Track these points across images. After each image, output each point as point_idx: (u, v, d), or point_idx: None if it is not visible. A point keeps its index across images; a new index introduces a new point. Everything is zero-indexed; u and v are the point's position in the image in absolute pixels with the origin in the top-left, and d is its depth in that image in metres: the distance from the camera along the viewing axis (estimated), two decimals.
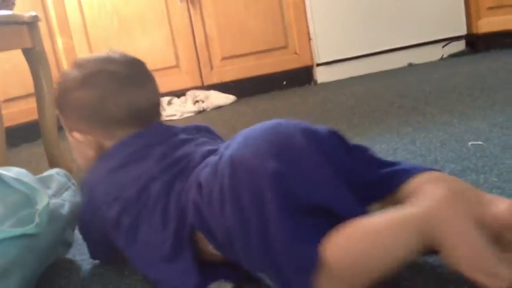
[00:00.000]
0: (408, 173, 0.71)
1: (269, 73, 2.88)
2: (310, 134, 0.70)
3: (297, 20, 2.84)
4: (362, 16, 2.78)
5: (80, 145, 0.89)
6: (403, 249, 0.62)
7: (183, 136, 0.85)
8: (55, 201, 0.89)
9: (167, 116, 2.60)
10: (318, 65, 2.84)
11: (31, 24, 1.49)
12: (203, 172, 0.73)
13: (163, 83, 3.21)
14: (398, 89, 2.17)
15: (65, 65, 2.80)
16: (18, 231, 0.74)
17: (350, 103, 2.08)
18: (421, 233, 0.61)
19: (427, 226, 0.60)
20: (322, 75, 2.85)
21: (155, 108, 0.90)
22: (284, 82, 2.91)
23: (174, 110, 2.65)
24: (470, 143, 1.24)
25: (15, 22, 1.41)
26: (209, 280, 0.71)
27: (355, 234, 0.63)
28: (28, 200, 0.84)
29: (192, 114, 2.62)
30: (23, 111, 2.44)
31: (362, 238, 0.62)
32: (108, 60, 0.90)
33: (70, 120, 0.90)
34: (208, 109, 2.67)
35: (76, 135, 0.88)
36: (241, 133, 0.74)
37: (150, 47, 2.81)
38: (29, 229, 0.75)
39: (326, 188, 0.66)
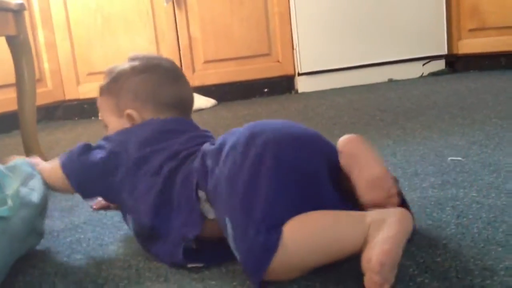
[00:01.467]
0: None
1: (250, 79, 2.89)
2: (317, 137, 0.83)
3: (281, 29, 2.85)
4: (345, 29, 2.81)
5: (123, 124, 1.00)
6: (346, 245, 0.71)
7: (202, 133, 1.00)
8: (23, 189, 0.87)
9: None
10: (299, 74, 2.85)
11: (17, 12, 1.47)
12: (207, 146, 0.88)
13: None
14: (378, 103, 2.20)
15: (45, 59, 2.76)
16: None
17: (330, 114, 2.09)
18: (364, 236, 0.70)
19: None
20: (303, 85, 2.86)
21: (192, 100, 1.08)
22: (265, 90, 2.92)
23: None
24: (449, 158, 1.26)
25: (1, 8, 1.39)
26: (190, 260, 0.82)
27: (310, 222, 0.73)
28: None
29: None
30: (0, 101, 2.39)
31: (314, 227, 0.73)
32: (159, 58, 1.08)
33: (125, 101, 1.01)
34: None
35: (131, 112, 1.00)
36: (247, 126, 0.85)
37: (132, 47, 2.78)
38: (2, 210, 0.74)
39: (320, 182, 0.78)
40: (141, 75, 1.02)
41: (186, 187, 0.85)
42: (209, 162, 0.83)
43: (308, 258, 0.72)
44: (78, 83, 2.86)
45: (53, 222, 1.09)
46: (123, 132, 0.98)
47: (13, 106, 1.81)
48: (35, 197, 0.88)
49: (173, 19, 2.83)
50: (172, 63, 1.07)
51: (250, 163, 0.76)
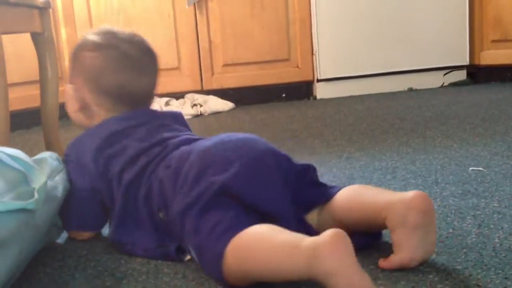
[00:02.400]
0: (332, 191, 0.85)
1: (269, 84, 2.89)
2: (275, 155, 0.84)
3: (302, 35, 2.85)
4: (366, 37, 2.80)
5: (70, 98, 0.99)
6: (287, 271, 0.66)
7: (163, 121, 0.97)
8: (49, 182, 0.88)
9: None
10: (318, 80, 2.85)
11: (43, 9, 1.48)
12: (173, 156, 0.87)
13: (163, 84, 3.21)
14: (398, 112, 2.19)
15: (66, 56, 2.78)
16: (19, 204, 0.73)
17: (349, 120, 2.09)
18: (308, 266, 0.63)
19: (314, 262, 0.63)
20: (321, 91, 2.86)
21: (146, 97, 1.01)
22: (284, 95, 2.92)
23: None
24: (471, 169, 1.25)
25: (27, 5, 1.40)
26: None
27: (252, 242, 0.71)
28: (26, 178, 0.83)
29: (190, 117, 2.61)
30: (21, 98, 2.41)
31: (256, 248, 0.70)
32: (127, 40, 0.98)
33: (73, 73, 0.99)
34: (206, 114, 2.66)
35: (68, 87, 0.98)
36: (219, 136, 0.88)
37: (153, 47, 2.80)
38: (29, 203, 0.74)
39: (274, 196, 0.80)
40: (91, 52, 0.97)
41: (148, 207, 0.86)
42: (168, 194, 0.83)
43: (252, 274, 0.70)
44: None
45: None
46: (76, 144, 0.96)
47: (34, 103, 1.83)
48: (59, 191, 0.89)
49: (194, 21, 2.84)
50: (140, 49, 0.99)
51: (201, 204, 0.77)
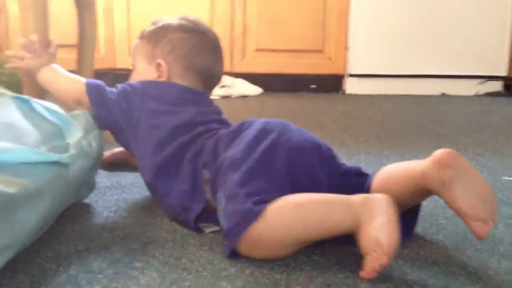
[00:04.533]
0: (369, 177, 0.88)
1: (299, 73, 2.87)
2: (316, 144, 0.88)
3: (337, 28, 2.83)
4: (402, 37, 2.77)
5: (151, 73, 1.04)
6: (332, 223, 0.73)
7: (216, 109, 1.05)
8: (84, 139, 0.88)
9: None
10: (349, 75, 2.82)
11: None
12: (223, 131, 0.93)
13: None
14: (429, 115, 2.16)
15: (102, 25, 2.79)
16: (54, 157, 0.73)
17: (378, 118, 2.06)
18: (352, 217, 0.72)
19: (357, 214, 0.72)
20: (351, 86, 2.83)
21: (219, 79, 1.10)
22: (313, 86, 2.90)
23: None
24: (504, 178, 1.23)
25: None
26: (202, 221, 0.86)
27: (294, 200, 0.76)
28: (61, 132, 0.83)
29: (217, 97, 2.61)
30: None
31: (301, 203, 0.75)
32: (206, 27, 1.09)
33: (161, 50, 1.04)
34: (233, 96, 2.66)
35: (161, 62, 1.03)
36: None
37: None
38: (63, 157, 0.74)
39: (316, 177, 0.84)
40: (185, 33, 1.04)
41: (195, 161, 0.90)
42: (220, 148, 0.88)
43: (290, 235, 0.74)
44: (129, 53, 2.88)
45: (100, 179, 1.10)
46: (147, 83, 1.01)
47: (67, 66, 1.83)
48: (93, 149, 0.89)
49: (230, 4, 2.83)
50: (217, 38, 1.09)
51: (258, 154, 0.82)
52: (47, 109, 0.85)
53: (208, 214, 0.86)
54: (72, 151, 0.78)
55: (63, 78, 1.04)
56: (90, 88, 0.98)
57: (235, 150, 0.85)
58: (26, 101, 0.84)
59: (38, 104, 0.85)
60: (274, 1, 2.82)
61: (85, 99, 0.97)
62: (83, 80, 1.00)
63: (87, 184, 0.93)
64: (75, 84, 1.01)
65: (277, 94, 2.75)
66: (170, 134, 0.93)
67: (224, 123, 1.01)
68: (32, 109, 0.84)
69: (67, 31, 1.68)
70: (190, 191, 0.89)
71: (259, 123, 0.89)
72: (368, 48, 2.79)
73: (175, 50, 1.04)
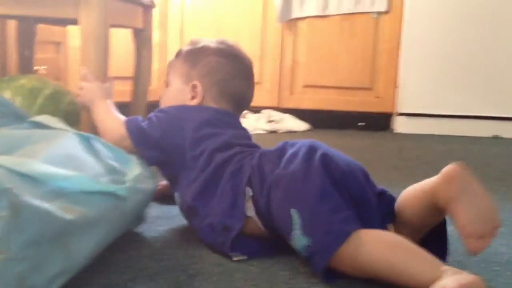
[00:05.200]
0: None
1: (347, 110, 2.86)
2: (359, 164, 0.92)
3: (387, 65, 2.82)
4: (453, 76, 2.73)
5: (185, 93, 1.07)
6: (411, 276, 0.73)
7: (246, 133, 1.08)
8: (142, 175, 0.90)
9: None
10: (399, 114, 2.79)
11: (147, 7, 1.54)
12: (266, 150, 0.95)
13: None
14: (482, 157, 2.11)
15: (156, 58, 2.88)
16: (112, 187, 0.75)
17: (429, 158, 2.03)
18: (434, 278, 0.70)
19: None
20: (400, 125, 2.80)
21: (250, 103, 1.14)
22: (360, 123, 2.88)
23: (247, 124, 2.67)
24: None
25: (135, 2, 1.46)
26: (234, 250, 0.88)
27: (391, 238, 0.78)
28: (120, 167, 0.86)
29: (264, 132, 2.63)
30: None
31: (393, 244, 0.77)
32: (242, 53, 1.14)
33: (197, 72, 1.08)
34: (280, 131, 2.67)
35: (197, 84, 1.07)
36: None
37: None
38: (121, 189, 0.77)
39: (370, 197, 0.87)
40: (222, 58, 1.09)
41: (235, 179, 0.92)
42: (267, 166, 0.90)
43: (370, 266, 0.76)
44: None
45: (149, 209, 1.12)
46: (181, 108, 1.04)
47: (118, 98, 1.90)
48: (148, 185, 0.91)
49: (281, 39, 2.87)
50: (251, 63, 1.14)
51: (316, 167, 0.84)
52: (107, 146, 0.89)
53: (244, 239, 0.89)
54: (129, 184, 0.80)
55: (110, 116, 1.08)
56: (130, 129, 1.01)
57: (294, 165, 0.86)
58: (87, 139, 0.87)
59: (98, 141, 0.89)
60: (324, 37, 2.84)
61: (127, 139, 1.00)
62: (123, 120, 1.04)
63: (139, 216, 0.95)
64: (118, 124, 1.03)
65: (324, 131, 2.75)
66: (210, 156, 0.96)
67: (256, 146, 1.03)
68: (92, 145, 0.87)
69: (124, 64, 1.74)
70: (230, 208, 0.90)
71: (305, 141, 0.91)
72: (418, 86, 2.76)
73: (211, 74, 1.07)
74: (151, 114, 1.04)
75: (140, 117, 1.04)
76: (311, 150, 0.88)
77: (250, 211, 0.90)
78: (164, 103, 1.11)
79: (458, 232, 0.78)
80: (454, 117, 2.75)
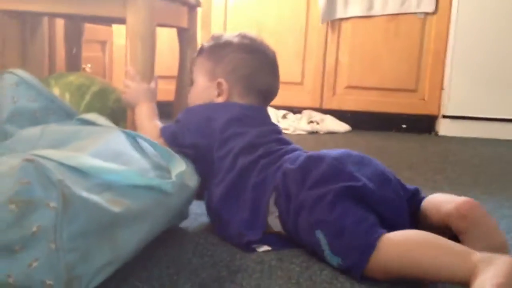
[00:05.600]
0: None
1: (390, 112, 2.82)
2: (392, 177, 0.92)
3: (433, 67, 2.76)
4: (500, 79, 2.66)
5: (211, 91, 1.08)
6: (443, 272, 0.73)
7: (275, 127, 1.08)
8: (186, 172, 0.91)
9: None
10: (444, 116, 2.74)
11: (192, 7, 1.56)
12: (296, 156, 0.95)
13: (284, 96, 3.22)
14: None
15: None
16: (158, 181, 0.76)
17: (475, 162, 1.98)
18: (468, 270, 0.71)
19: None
20: (445, 128, 2.74)
21: (276, 95, 1.14)
22: (404, 126, 2.84)
23: (287, 125, 2.66)
24: None
25: (180, 1, 1.48)
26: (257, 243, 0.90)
27: (417, 236, 0.79)
28: (165, 164, 0.87)
29: (304, 132, 2.62)
30: None
31: (420, 242, 0.77)
32: (265, 46, 1.13)
33: (222, 69, 1.08)
34: (321, 132, 2.66)
35: (222, 82, 1.07)
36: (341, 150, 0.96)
37: (280, 59, 2.82)
38: (166, 183, 0.78)
39: (398, 206, 0.88)
40: (246, 54, 1.09)
41: (259, 193, 0.92)
42: (292, 187, 0.89)
43: (402, 268, 0.76)
44: None
45: (192, 207, 1.13)
46: (208, 107, 1.05)
47: (161, 97, 1.93)
48: (193, 182, 0.92)
49: (324, 39, 2.85)
50: (274, 56, 1.13)
51: (336, 189, 0.84)
52: (152, 144, 0.90)
53: (266, 235, 0.91)
54: (174, 179, 0.81)
55: (149, 121, 1.11)
56: (165, 136, 1.04)
57: (316, 188, 0.86)
58: (133, 136, 0.89)
59: (144, 139, 0.90)
60: (368, 38, 2.81)
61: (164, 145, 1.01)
62: (159, 127, 1.07)
63: (183, 212, 0.96)
64: (155, 131, 1.06)
65: (366, 133, 2.72)
66: (234, 159, 0.96)
67: (284, 142, 1.03)
68: (138, 143, 0.89)
69: (168, 63, 1.77)
70: (250, 221, 0.91)
71: (329, 158, 0.90)
72: (464, 89, 2.69)
73: (236, 71, 1.08)
74: (179, 115, 1.05)
75: (172, 124, 1.06)
76: (335, 171, 0.88)
77: (277, 227, 0.92)
78: (191, 101, 1.13)
79: None
80: (501, 120, 2.68)
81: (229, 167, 0.96)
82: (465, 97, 2.70)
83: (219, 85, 1.07)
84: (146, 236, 0.75)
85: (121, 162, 0.76)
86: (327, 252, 0.83)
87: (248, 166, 0.95)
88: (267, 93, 1.11)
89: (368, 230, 0.80)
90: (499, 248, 0.81)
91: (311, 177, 0.88)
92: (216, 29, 2.92)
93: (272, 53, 1.13)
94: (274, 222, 0.92)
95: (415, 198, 0.95)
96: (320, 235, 0.83)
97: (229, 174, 0.95)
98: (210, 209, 0.99)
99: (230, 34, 1.13)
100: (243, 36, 1.12)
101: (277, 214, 0.91)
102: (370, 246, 0.78)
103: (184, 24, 1.55)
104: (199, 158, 1.01)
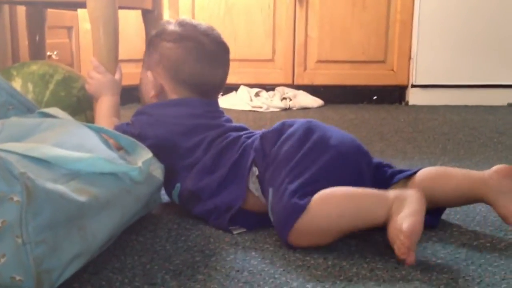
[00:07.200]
0: (412, 170, 0.96)
1: (361, 84, 2.83)
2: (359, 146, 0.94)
3: (400, 38, 2.77)
4: (467, 46, 2.68)
5: (148, 84, 1.05)
6: (366, 217, 0.81)
7: (229, 123, 1.04)
8: (152, 161, 0.90)
9: (253, 107, 2.61)
10: (413, 86, 2.76)
11: None
12: (265, 131, 0.97)
13: (255, 74, 3.22)
14: (496, 126, 2.08)
15: None
16: (126, 167, 0.76)
17: (443, 129, 2.01)
18: (386, 210, 0.80)
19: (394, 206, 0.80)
20: (415, 97, 2.77)
21: (218, 89, 1.08)
22: (375, 97, 2.86)
23: (260, 103, 2.66)
24: None
25: None
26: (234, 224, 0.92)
27: (337, 193, 0.83)
28: (131, 152, 0.87)
29: (278, 109, 2.62)
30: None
31: (343, 195, 0.83)
32: (205, 33, 1.05)
33: (152, 60, 1.05)
34: (294, 108, 2.66)
35: (149, 74, 1.04)
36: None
37: (250, 38, 2.82)
38: (134, 168, 0.77)
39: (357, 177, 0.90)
40: (172, 43, 1.03)
41: (240, 162, 0.94)
42: (267, 145, 0.93)
43: (331, 225, 0.82)
44: None
45: (163, 193, 1.13)
46: (157, 106, 1.02)
47: (132, 81, 1.90)
48: (159, 172, 0.92)
49: (293, 15, 2.84)
50: (214, 42, 1.05)
51: (305, 150, 0.88)
52: (116, 136, 0.89)
53: (244, 213, 0.92)
54: (141, 165, 0.80)
55: (106, 116, 1.08)
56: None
57: (285, 147, 0.90)
58: (97, 130, 0.87)
59: (107, 132, 0.89)
60: (335, 11, 2.80)
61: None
62: (114, 125, 1.03)
63: (155, 200, 0.96)
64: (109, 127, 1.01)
65: (338, 106, 2.73)
66: (208, 145, 0.97)
67: (245, 129, 1.04)
68: (101, 135, 0.87)
69: (136, 46, 1.74)
70: (235, 188, 0.93)
71: (302, 122, 0.94)
72: (432, 58, 2.72)
73: (162, 62, 1.03)
74: (132, 118, 1.03)
75: (124, 124, 1.03)
76: (308, 132, 0.91)
77: (257, 190, 0.93)
78: (140, 94, 1.10)
79: (503, 219, 0.87)
80: (469, 87, 2.71)
81: (204, 153, 0.96)
82: (433, 66, 2.73)
83: (149, 77, 1.04)
84: (117, 225, 0.75)
85: (86, 151, 0.75)
86: (269, 210, 0.88)
87: (225, 146, 0.96)
88: (201, 85, 1.03)
89: (301, 195, 0.83)
90: None
91: (284, 135, 0.92)
92: (183, 9, 2.89)
93: (210, 40, 1.04)
94: (255, 185, 0.93)
95: (381, 168, 0.98)
96: (270, 193, 0.87)
97: (205, 157, 0.96)
98: (186, 196, 0.97)
99: (172, 20, 1.08)
100: (179, 23, 1.06)
101: (257, 173, 0.93)
102: (299, 209, 0.81)
103: (148, 5, 1.52)
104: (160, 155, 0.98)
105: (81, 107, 1.21)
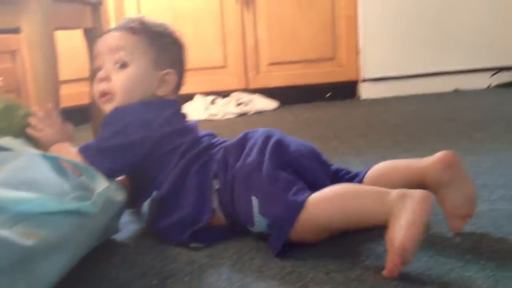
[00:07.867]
0: (363, 171, 0.99)
1: (313, 83, 2.87)
2: (311, 147, 1.00)
3: (347, 33, 2.82)
4: (412, 37, 2.76)
5: (153, 81, 1.04)
6: (368, 215, 0.81)
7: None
8: (110, 187, 0.89)
9: (210, 115, 2.61)
10: (363, 80, 2.81)
11: (95, 5, 1.52)
12: (227, 143, 1.00)
13: (209, 82, 3.21)
14: (444, 113, 2.15)
15: None
16: (75, 205, 0.74)
17: (395, 121, 2.06)
18: (386, 211, 0.77)
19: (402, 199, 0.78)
20: (366, 91, 2.82)
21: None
22: (328, 94, 2.90)
23: (216, 110, 2.66)
24: None
25: (80, 1, 1.44)
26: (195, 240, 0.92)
27: (338, 189, 0.85)
28: (87, 184, 0.86)
29: (234, 115, 2.63)
30: (71, 95, 2.48)
31: (342, 193, 0.84)
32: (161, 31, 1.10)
33: (166, 60, 1.05)
34: (250, 113, 2.67)
35: (172, 73, 1.05)
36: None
37: (200, 45, 2.81)
38: (85, 205, 0.76)
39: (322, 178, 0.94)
40: (182, 48, 1.11)
41: (203, 173, 0.95)
42: (231, 159, 0.94)
43: (328, 222, 0.83)
44: None
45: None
46: (139, 107, 1.01)
47: (82, 100, 1.88)
48: (120, 196, 0.91)
49: (241, 19, 2.85)
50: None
51: (268, 155, 0.91)
52: (73, 163, 0.88)
53: (202, 227, 0.93)
54: (95, 200, 0.78)
55: (66, 153, 1.00)
56: (84, 153, 0.97)
57: (251, 157, 0.92)
58: (52, 158, 0.85)
59: (64, 160, 0.87)
60: (283, 12, 2.83)
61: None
62: (75, 149, 0.99)
63: (111, 229, 0.95)
64: (74, 156, 0.97)
65: (293, 106, 2.76)
66: (183, 154, 0.98)
67: (212, 135, 1.07)
68: (57, 164, 0.85)
69: (80, 65, 1.72)
70: (198, 202, 0.94)
71: (262, 131, 0.98)
72: (379, 51, 2.78)
73: (177, 64, 1.10)
74: (119, 121, 1.00)
75: (92, 142, 1.00)
76: (266, 140, 0.94)
77: (214, 202, 0.95)
78: (127, 88, 1.06)
79: (444, 212, 0.88)
80: (417, 76, 2.79)
81: (178, 161, 0.98)
82: (381, 59, 2.79)
83: (165, 76, 1.04)
84: (69, 264, 0.73)
85: (34, 189, 0.73)
86: (256, 215, 0.87)
87: (195, 155, 0.98)
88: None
89: (297, 192, 0.85)
90: (471, 199, 0.87)
91: (246, 148, 0.95)
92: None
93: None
94: (212, 198, 0.95)
95: (339, 174, 1.01)
96: (254, 200, 0.88)
97: (177, 166, 0.97)
98: (156, 206, 0.96)
99: (158, 22, 1.09)
100: (170, 27, 1.11)
101: (217, 187, 0.95)
102: (299, 204, 0.83)
103: (89, 24, 1.51)
104: (136, 165, 0.98)
105: (26, 136, 1.19)
